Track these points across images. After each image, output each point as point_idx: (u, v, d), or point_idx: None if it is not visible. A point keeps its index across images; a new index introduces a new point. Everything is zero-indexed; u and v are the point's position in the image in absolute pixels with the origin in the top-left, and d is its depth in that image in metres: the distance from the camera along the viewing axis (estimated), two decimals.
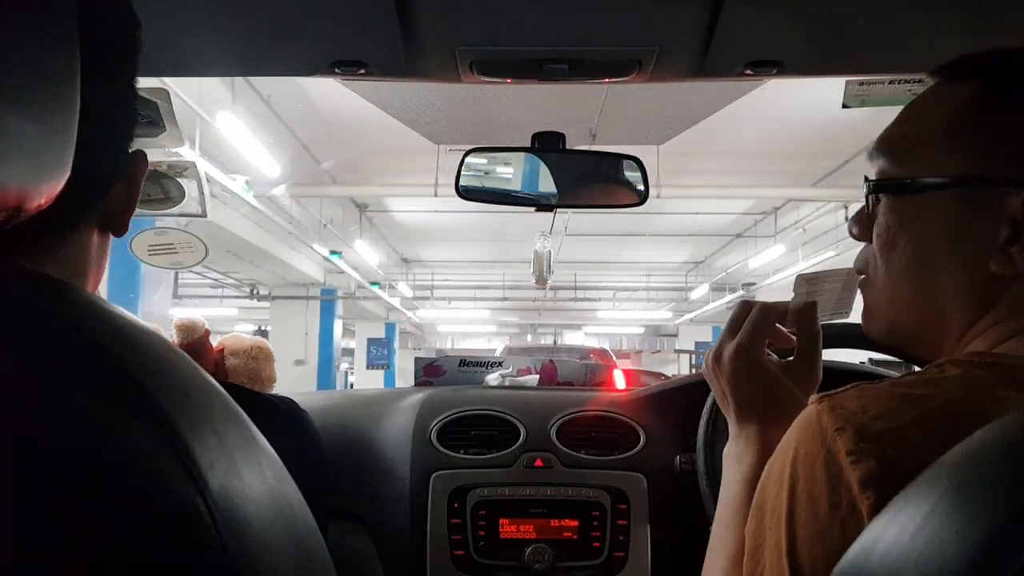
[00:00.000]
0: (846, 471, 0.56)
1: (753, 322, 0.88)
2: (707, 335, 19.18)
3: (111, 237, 0.60)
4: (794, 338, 0.91)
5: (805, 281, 1.03)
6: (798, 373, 0.89)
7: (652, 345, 25.76)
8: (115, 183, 0.55)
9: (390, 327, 19.70)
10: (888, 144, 0.73)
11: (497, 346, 22.23)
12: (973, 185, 0.66)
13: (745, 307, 0.90)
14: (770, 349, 0.91)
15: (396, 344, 19.50)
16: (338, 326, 14.50)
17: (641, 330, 24.45)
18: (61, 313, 0.43)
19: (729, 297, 14.55)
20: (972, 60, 0.69)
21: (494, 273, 16.72)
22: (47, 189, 0.43)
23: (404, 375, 17.73)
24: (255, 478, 0.43)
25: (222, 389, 0.48)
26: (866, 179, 0.74)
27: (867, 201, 0.74)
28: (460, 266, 16.33)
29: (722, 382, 0.90)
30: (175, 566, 0.37)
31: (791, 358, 0.91)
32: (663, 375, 5.98)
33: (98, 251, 0.58)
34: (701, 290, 16.09)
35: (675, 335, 22.33)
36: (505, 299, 18.28)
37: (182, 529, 0.37)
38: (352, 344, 19.94)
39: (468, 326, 25.69)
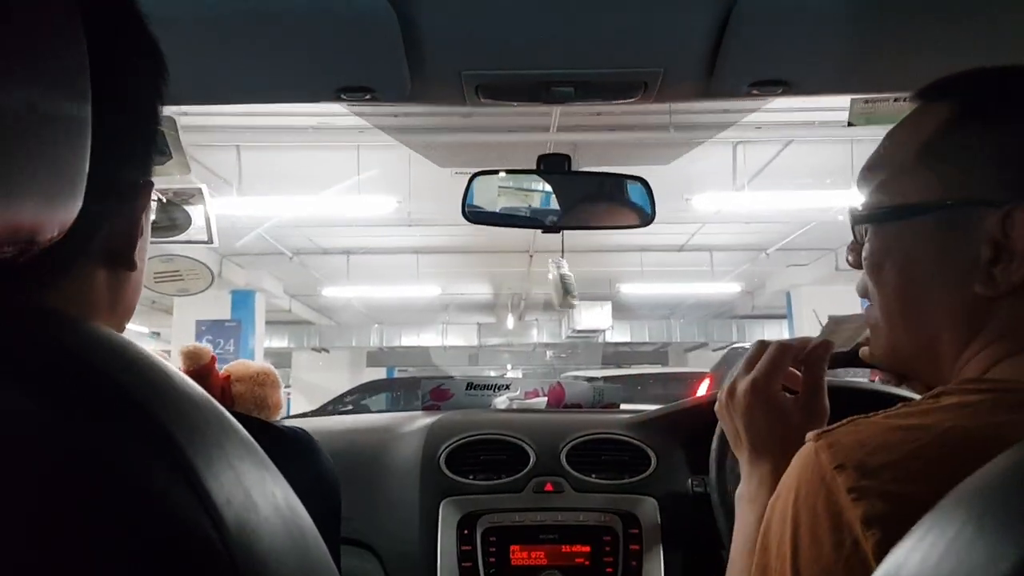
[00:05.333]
0: (847, 510, 0.54)
1: (770, 359, 0.86)
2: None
3: (130, 274, 0.57)
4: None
5: (834, 323, 1.00)
6: (807, 410, 0.86)
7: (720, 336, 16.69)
8: (111, 217, 0.52)
9: (241, 299, 11.23)
10: (870, 170, 0.71)
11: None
12: (950, 208, 0.64)
13: (762, 345, 0.88)
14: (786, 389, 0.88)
15: (257, 327, 11.57)
16: None
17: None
18: (67, 345, 0.41)
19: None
20: (948, 81, 0.68)
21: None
22: (59, 221, 0.41)
23: (314, 395, 11.88)
24: (270, 512, 0.42)
25: (235, 421, 0.46)
26: (849, 210, 0.73)
27: (853, 231, 0.73)
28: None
29: (735, 419, 0.87)
30: None
31: (799, 393, 0.88)
32: None
33: (110, 288, 0.55)
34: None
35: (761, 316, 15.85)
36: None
37: (197, 565, 0.36)
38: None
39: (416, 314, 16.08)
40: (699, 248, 10.79)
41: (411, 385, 12.75)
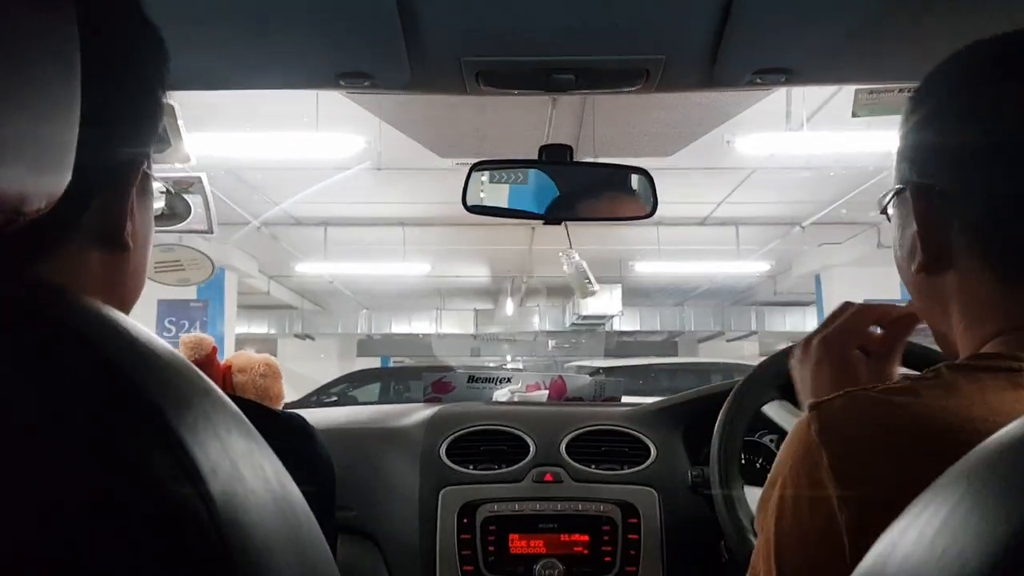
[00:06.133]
0: (826, 481, 0.60)
1: (848, 317, 0.96)
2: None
3: (125, 256, 0.61)
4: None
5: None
6: (876, 372, 0.95)
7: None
8: (100, 195, 0.55)
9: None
10: None
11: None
12: (899, 193, 0.76)
13: (846, 306, 0.98)
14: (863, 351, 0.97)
15: (227, 309, 11.41)
16: None
17: None
18: (50, 313, 0.44)
19: None
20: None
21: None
22: (46, 193, 0.44)
23: (302, 386, 10.71)
24: (259, 485, 0.44)
25: (224, 395, 0.49)
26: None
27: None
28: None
29: (805, 370, 0.97)
30: (176, 571, 0.38)
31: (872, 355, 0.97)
32: None
33: (105, 269, 0.59)
34: None
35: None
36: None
37: (182, 533, 0.38)
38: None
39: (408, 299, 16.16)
40: (723, 221, 10.33)
41: (402, 376, 12.66)
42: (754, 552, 0.69)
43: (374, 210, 9.68)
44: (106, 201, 0.57)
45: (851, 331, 0.95)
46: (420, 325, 17.07)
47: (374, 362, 18.52)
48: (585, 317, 13.94)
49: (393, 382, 11.60)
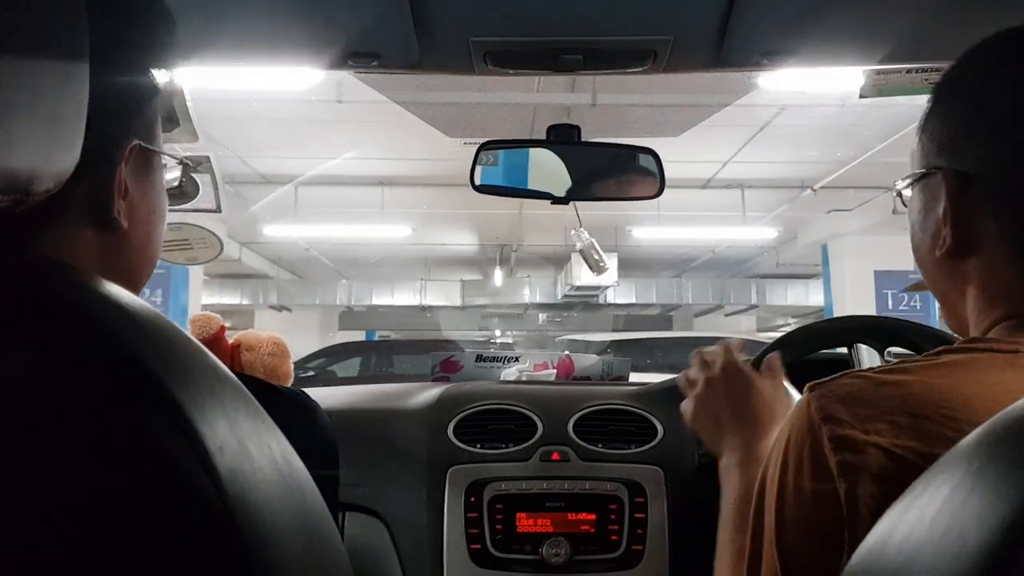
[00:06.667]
0: (828, 458, 0.65)
1: (723, 350, 1.20)
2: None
3: (123, 235, 0.64)
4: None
5: None
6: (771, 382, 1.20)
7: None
8: (88, 173, 0.57)
9: None
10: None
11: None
12: (924, 176, 0.80)
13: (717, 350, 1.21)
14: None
15: (192, 278, 11.64)
16: None
17: None
18: (54, 289, 0.46)
19: None
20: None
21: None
22: (56, 173, 0.46)
23: None
24: (266, 463, 0.47)
25: (232, 374, 0.51)
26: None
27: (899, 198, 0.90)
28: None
29: (723, 397, 1.16)
30: (184, 547, 0.40)
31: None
32: None
33: (101, 249, 0.62)
34: None
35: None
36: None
37: (191, 511, 0.40)
38: None
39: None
40: (728, 184, 10.12)
41: (384, 350, 12.57)
42: (748, 536, 0.75)
43: (350, 167, 9.33)
44: (91, 179, 0.59)
45: (733, 358, 1.18)
46: (404, 296, 16.92)
47: (357, 336, 18.22)
48: (579, 288, 13.87)
49: (375, 357, 11.50)
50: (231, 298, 16.07)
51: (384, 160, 9.15)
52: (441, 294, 17.16)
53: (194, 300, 11.64)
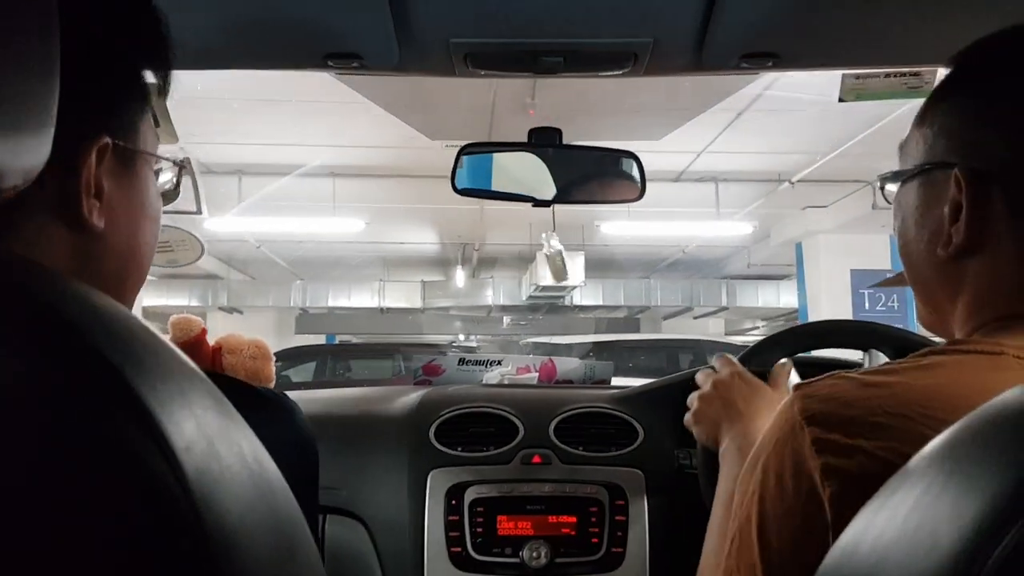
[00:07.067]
0: (809, 460, 0.67)
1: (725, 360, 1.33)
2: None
3: (98, 236, 0.64)
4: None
5: None
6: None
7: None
8: (56, 173, 0.57)
9: None
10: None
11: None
12: (926, 172, 0.80)
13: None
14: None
15: None
16: None
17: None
18: (17, 283, 0.45)
19: None
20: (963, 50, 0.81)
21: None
22: (24, 169, 0.46)
23: None
24: (234, 462, 0.47)
25: (202, 373, 0.51)
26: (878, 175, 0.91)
27: (882, 192, 0.91)
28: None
29: (727, 396, 1.26)
30: (148, 548, 0.40)
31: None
32: None
33: (74, 250, 0.62)
34: None
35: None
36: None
37: (156, 512, 0.40)
38: None
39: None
40: (701, 177, 10.05)
41: (341, 354, 12.45)
42: (731, 529, 0.77)
43: (298, 155, 9.09)
44: (59, 177, 0.59)
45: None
46: (361, 298, 16.82)
47: (314, 340, 17.85)
48: (544, 288, 13.72)
49: (331, 361, 11.43)
50: (178, 299, 15.87)
51: (334, 148, 8.93)
52: (401, 295, 17.04)
53: (136, 301, 11.16)
